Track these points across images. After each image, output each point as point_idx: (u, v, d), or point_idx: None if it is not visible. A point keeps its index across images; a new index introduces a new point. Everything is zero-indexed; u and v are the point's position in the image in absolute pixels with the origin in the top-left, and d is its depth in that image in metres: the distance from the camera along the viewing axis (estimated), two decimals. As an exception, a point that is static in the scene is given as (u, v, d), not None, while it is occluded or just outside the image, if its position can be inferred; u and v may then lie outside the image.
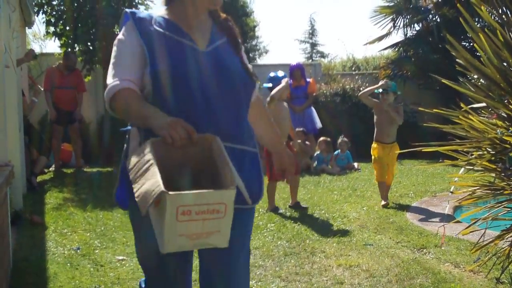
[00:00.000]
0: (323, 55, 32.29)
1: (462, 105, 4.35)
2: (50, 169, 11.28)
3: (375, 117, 8.33)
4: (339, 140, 12.32)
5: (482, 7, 3.94)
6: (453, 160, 4.43)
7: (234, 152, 2.45)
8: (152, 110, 2.30)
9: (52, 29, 12.44)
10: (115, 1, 12.33)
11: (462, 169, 4.58)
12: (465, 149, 4.33)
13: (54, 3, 12.41)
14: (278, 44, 46.69)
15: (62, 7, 12.37)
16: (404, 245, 5.86)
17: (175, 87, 2.38)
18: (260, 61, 15.34)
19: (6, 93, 5.30)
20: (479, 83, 4.49)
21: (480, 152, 4.23)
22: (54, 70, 11.43)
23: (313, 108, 12.76)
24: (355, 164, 12.10)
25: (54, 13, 12.32)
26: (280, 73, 8.10)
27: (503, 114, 4.10)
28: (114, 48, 2.49)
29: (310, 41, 33.82)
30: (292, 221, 7.04)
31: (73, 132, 11.56)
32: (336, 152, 12.23)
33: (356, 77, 15.43)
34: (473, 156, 4.27)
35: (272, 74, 8.15)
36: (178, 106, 2.37)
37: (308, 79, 12.94)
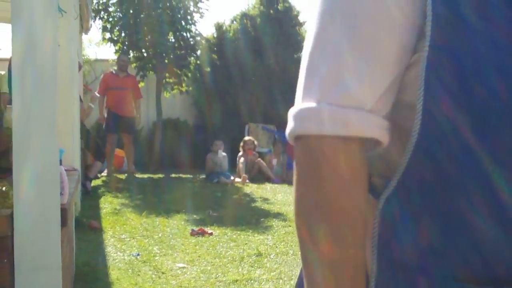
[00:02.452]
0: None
1: None
2: (103, 174, 11.37)
3: None
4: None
5: None
6: None
7: None
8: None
9: (107, 35, 12.59)
10: (170, 9, 12.42)
11: None
12: None
13: (111, 9, 12.55)
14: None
15: (118, 14, 12.51)
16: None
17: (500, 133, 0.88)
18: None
19: (75, 99, 5.34)
20: None
21: None
22: (109, 75, 11.62)
23: None
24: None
25: (110, 19, 12.47)
26: None
27: None
28: (323, 7, 0.98)
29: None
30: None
31: (126, 138, 11.68)
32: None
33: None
34: None
35: None
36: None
37: None
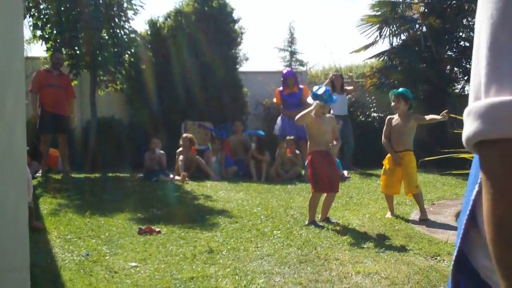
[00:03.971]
0: (302, 64, 32.32)
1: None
2: (37, 174, 11.09)
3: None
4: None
5: None
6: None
7: None
8: None
9: (39, 32, 12.26)
10: (103, 5, 12.21)
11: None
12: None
13: (42, 6, 12.23)
14: (257, 52, 46.68)
15: (49, 11, 12.20)
16: (416, 252, 5.83)
17: None
18: (241, 68, 15.26)
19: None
20: None
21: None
22: (42, 72, 11.36)
23: None
24: (345, 172, 12.07)
25: (41, 16, 12.15)
26: (320, 90, 7.44)
27: None
28: None
29: (289, 49, 33.82)
30: (298, 228, 6.98)
31: (61, 138, 11.44)
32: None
33: (343, 85, 15.44)
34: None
35: (316, 91, 7.48)
36: None
37: (300, 86, 13.01)
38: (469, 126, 0.79)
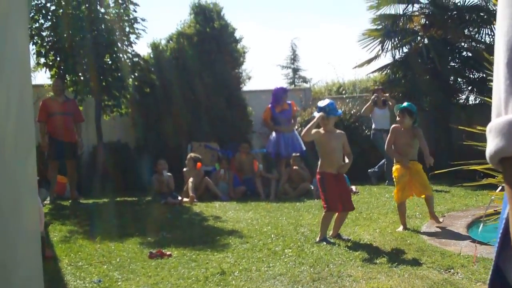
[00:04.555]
0: (305, 80, 32.48)
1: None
2: (45, 202, 11.09)
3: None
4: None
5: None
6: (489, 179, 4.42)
7: None
8: None
9: (42, 60, 12.32)
10: (106, 31, 12.27)
11: (500, 187, 4.57)
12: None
13: (44, 34, 12.29)
14: (260, 70, 46.83)
15: (52, 38, 12.26)
16: (429, 266, 5.79)
17: None
18: (245, 87, 15.30)
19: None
20: None
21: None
22: (49, 100, 11.40)
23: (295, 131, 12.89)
24: (353, 188, 12.04)
25: (44, 44, 12.21)
26: (324, 103, 7.52)
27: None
28: None
29: (292, 66, 34.00)
30: (310, 246, 6.96)
31: (69, 164, 11.46)
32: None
33: (347, 100, 15.45)
34: None
35: (320, 104, 7.59)
36: None
37: (288, 102, 13.02)
38: (491, 143, 0.78)
